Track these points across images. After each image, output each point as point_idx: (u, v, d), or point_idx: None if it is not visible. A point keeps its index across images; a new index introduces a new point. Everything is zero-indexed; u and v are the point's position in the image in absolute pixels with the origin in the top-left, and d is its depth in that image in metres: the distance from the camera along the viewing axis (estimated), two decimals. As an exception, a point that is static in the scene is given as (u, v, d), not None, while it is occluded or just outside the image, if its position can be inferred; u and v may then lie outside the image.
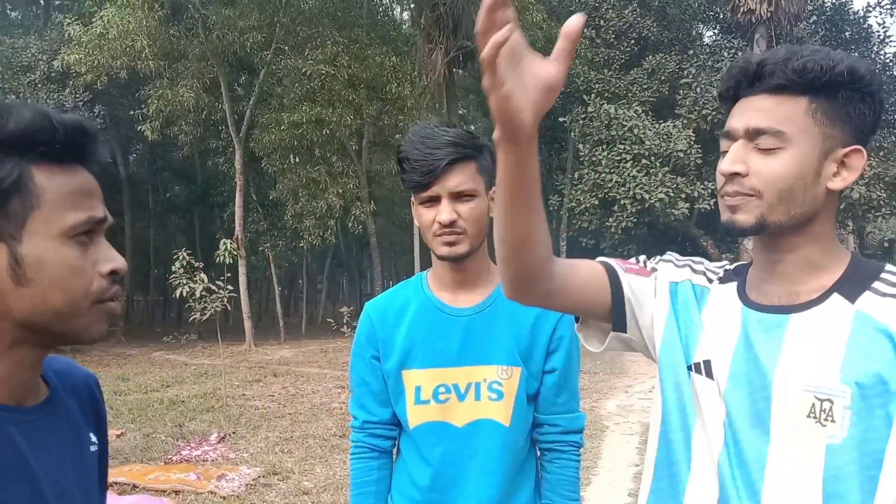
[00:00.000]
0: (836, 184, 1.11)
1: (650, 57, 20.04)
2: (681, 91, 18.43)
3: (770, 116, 1.10)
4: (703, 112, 17.57)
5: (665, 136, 17.02)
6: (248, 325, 17.23)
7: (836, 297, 1.11)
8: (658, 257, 1.37)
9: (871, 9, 21.31)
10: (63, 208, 0.85)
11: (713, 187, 17.49)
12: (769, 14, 17.93)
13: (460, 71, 22.18)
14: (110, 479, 5.68)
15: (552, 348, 1.70)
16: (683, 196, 16.94)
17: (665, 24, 21.30)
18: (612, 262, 1.32)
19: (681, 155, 16.86)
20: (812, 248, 1.14)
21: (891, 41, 21.64)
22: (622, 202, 16.60)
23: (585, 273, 1.28)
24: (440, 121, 18.64)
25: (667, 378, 1.27)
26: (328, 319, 19.12)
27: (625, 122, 17.26)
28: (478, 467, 1.66)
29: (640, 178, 16.62)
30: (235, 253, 12.71)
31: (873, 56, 21.68)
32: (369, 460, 1.77)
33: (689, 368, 1.23)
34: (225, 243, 10.01)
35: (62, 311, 0.86)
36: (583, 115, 18.06)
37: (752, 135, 1.11)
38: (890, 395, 1.03)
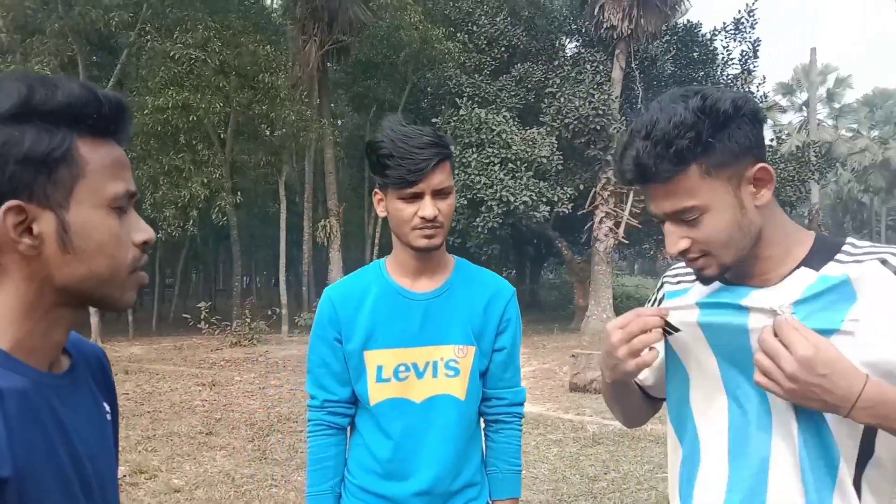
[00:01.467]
0: (762, 199, 1.22)
1: (518, 65, 20.76)
2: (545, 100, 19.21)
3: (676, 199, 1.20)
4: (566, 121, 18.41)
5: (530, 143, 17.72)
6: (94, 320, 16.24)
7: (802, 269, 1.24)
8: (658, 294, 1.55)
9: (717, 32, 23.13)
10: (105, 179, 0.89)
11: (571, 192, 18.61)
12: (629, 31, 19.08)
13: (333, 65, 22.04)
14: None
15: (501, 328, 1.87)
16: (545, 200, 17.70)
17: (533, 33, 22.15)
18: None
19: (544, 161, 17.61)
20: (772, 249, 1.26)
21: (733, 63, 23.50)
22: (489, 203, 17.10)
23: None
24: (314, 114, 18.42)
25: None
26: (184, 315, 18.39)
27: (494, 127, 17.79)
28: (435, 438, 1.80)
29: (506, 181, 17.19)
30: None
31: (717, 76, 23.56)
32: (328, 437, 1.87)
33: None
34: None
35: (104, 278, 0.90)
36: (455, 118, 18.43)
37: (673, 216, 1.22)
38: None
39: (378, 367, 1.80)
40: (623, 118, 19.62)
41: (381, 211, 1.79)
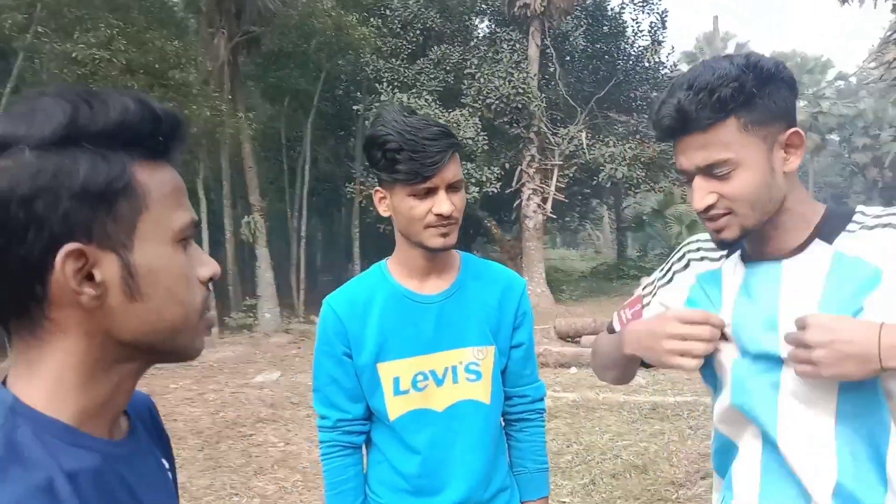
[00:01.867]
0: (791, 165, 1.25)
1: (435, 48, 20.70)
2: (465, 81, 19.26)
3: (711, 150, 1.21)
4: (487, 101, 18.52)
5: (454, 125, 17.72)
6: None
7: (817, 242, 1.27)
8: (654, 287, 1.56)
9: (625, 5, 23.63)
10: (169, 209, 0.76)
11: (499, 172, 18.78)
12: (542, 8, 19.28)
13: (243, 57, 21.45)
14: None
15: (517, 324, 1.79)
16: (473, 181, 17.80)
17: (446, 15, 22.09)
18: (616, 324, 1.61)
19: (469, 142, 17.67)
20: (790, 220, 1.28)
21: (642, 35, 24.07)
22: (418, 188, 17.06)
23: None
24: (229, 108, 17.90)
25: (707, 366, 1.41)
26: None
27: (417, 111, 17.70)
28: (462, 447, 1.71)
29: (434, 164, 17.18)
30: None
31: (628, 48, 24.12)
32: (344, 458, 1.77)
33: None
34: None
35: (177, 327, 0.77)
36: (376, 104, 18.27)
37: (705, 169, 1.23)
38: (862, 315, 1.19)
39: (395, 378, 1.70)
40: (543, 95, 19.88)
41: (383, 210, 1.68)
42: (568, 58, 23.38)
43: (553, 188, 19.81)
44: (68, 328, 0.72)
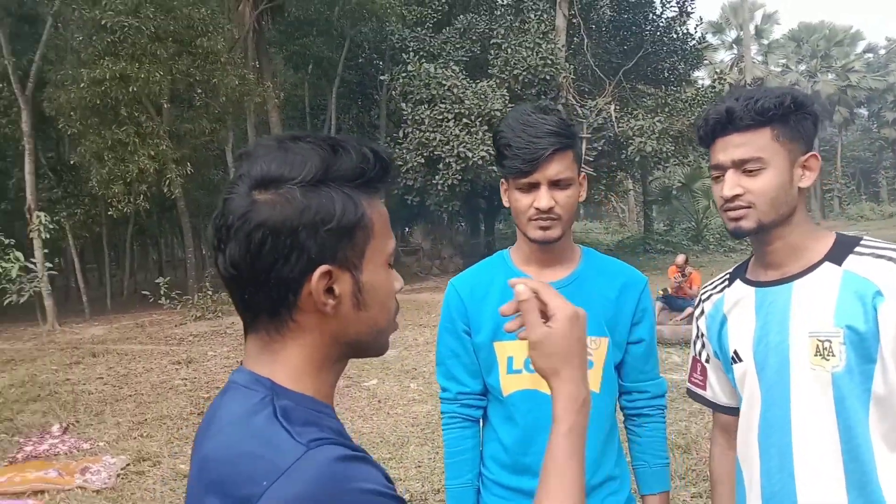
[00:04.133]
0: (805, 182, 1.48)
1: (461, 17, 20.48)
2: (492, 51, 19.06)
3: (748, 149, 1.45)
4: (515, 72, 18.33)
5: (482, 96, 17.59)
6: (49, 302, 15.61)
7: (826, 264, 1.46)
8: (694, 344, 1.77)
9: (653, -25, 23.21)
10: (385, 238, 0.92)
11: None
12: (571, -22, 18.98)
13: (268, 25, 21.34)
14: (-45, 488, 5.09)
15: (636, 319, 1.82)
16: (499, 153, 17.69)
17: (473, -17, 21.84)
18: (696, 391, 1.77)
19: (497, 114, 17.53)
20: (795, 235, 1.49)
21: (671, 5, 23.66)
22: (447, 160, 16.99)
23: (731, 426, 1.68)
24: (256, 77, 17.82)
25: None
26: (143, 292, 17.86)
27: (444, 82, 17.58)
28: None
29: (462, 136, 17.09)
30: (50, 226, 11.37)
31: (657, 18, 23.71)
32: (463, 429, 1.86)
33: (731, 363, 1.58)
34: (38, 216, 8.99)
35: (383, 329, 0.95)
36: (403, 74, 18.14)
37: (739, 164, 1.46)
38: (864, 335, 1.37)
39: (509, 357, 1.76)
40: (570, 67, 19.63)
41: (506, 201, 1.76)
42: (595, 28, 23.02)
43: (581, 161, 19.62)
44: (307, 329, 0.89)
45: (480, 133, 17.23)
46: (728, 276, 1.66)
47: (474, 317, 1.80)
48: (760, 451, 1.50)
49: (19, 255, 7.78)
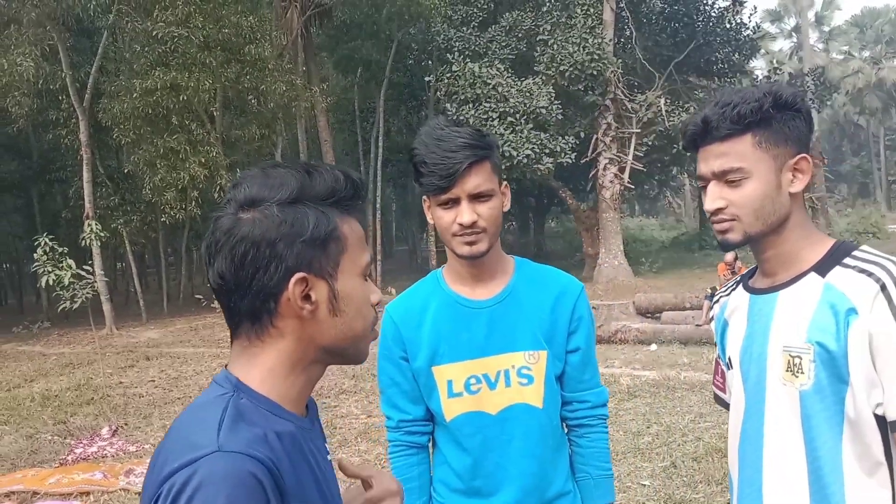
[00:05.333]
0: (796, 187, 1.38)
1: (507, 14, 20.35)
2: (538, 48, 18.88)
3: (728, 159, 1.36)
4: (561, 68, 18.12)
5: (527, 94, 17.45)
6: (107, 307, 16.13)
7: (811, 274, 1.37)
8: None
9: (704, -36, 22.65)
10: (359, 251, 1.02)
11: (574, 141, 18.42)
12: (617, -29, 18.65)
13: (316, 30, 21.61)
14: (5, 489, 5.27)
15: (573, 328, 1.77)
16: (547, 151, 17.52)
17: (518, -20, 21.66)
18: (718, 393, 1.67)
19: (543, 111, 17.37)
20: (789, 243, 1.40)
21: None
22: (492, 159, 16.89)
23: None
24: (304, 82, 18.07)
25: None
26: (197, 296, 18.29)
27: (488, 81, 17.51)
28: (517, 451, 1.72)
29: (507, 135, 16.98)
30: (101, 234, 11.78)
31: (708, 10, 23.15)
32: (408, 457, 1.83)
33: (728, 368, 1.54)
34: (90, 224, 9.28)
35: (359, 336, 1.03)
36: (448, 74, 18.12)
37: (719, 175, 1.38)
38: (834, 353, 1.29)
39: (448, 381, 1.73)
40: (619, 61, 19.31)
41: (430, 219, 1.72)
42: (644, 21, 22.60)
43: (630, 157, 19.31)
44: (286, 334, 0.98)
45: (525, 131, 17.10)
46: (739, 279, 1.60)
47: (410, 343, 1.77)
48: (739, 460, 1.47)
49: (71, 262, 8.03)
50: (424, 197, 1.70)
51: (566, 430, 1.85)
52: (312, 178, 0.98)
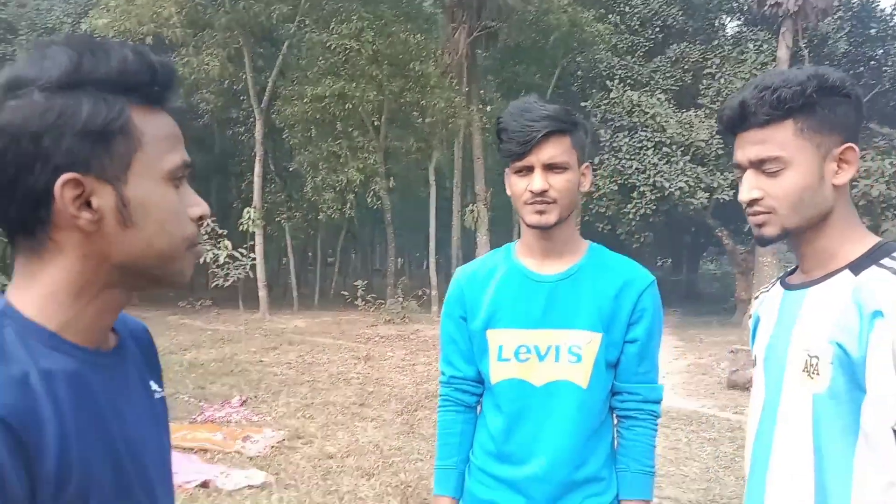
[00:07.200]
0: (840, 179, 1.28)
1: (674, 45, 19.91)
2: (704, 81, 18.32)
3: (766, 147, 1.27)
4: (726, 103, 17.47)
5: (687, 126, 16.95)
6: (262, 293, 17.35)
7: (845, 272, 1.27)
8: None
9: (898, 7, 21.05)
10: (162, 151, 0.84)
11: (732, 178, 17.63)
12: (797, 8, 17.71)
13: (482, 52, 22.16)
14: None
15: (634, 319, 1.76)
16: (703, 186, 16.89)
17: (689, 12, 21.13)
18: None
19: (702, 145, 16.79)
20: (827, 238, 1.30)
21: (915, 39, 21.31)
22: (641, 189, 16.55)
23: None
24: (463, 100, 18.63)
25: None
26: (343, 292, 19.23)
27: (647, 110, 17.19)
28: (553, 425, 1.73)
29: (660, 165, 16.57)
30: (259, 222, 12.87)
31: (896, 53, 21.48)
32: (455, 413, 1.89)
33: (754, 364, 1.47)
34: (248, 212, 10.10)
35: (165, 254, 0.86)
36: (605, 101, 18.00)
37: (757, 164, 1.29)
38: (854, 358, 1.19)
39: (499, 346, 1.78)
40: (790, 98, 18.31)
41: (508, 189, 1.76)
42: (827, 62, 21.27)
43: (793, 200, 18.19)
44: (67, 249, 0.81)
45: (681, 163, 16.60)
46: (781, 275, 1.53)
47: (471, 304, 1.83)
48: (752, 460, 1.42)
49: (228, 243, 8.78)
50: (507, 170, 1.75)
51: (615, 421, 1.85)
52: (95, 57, 0.79)
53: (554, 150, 1.65)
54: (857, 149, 1.28)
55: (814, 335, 1.26)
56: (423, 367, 10.28)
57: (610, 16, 20.01)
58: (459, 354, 1.87)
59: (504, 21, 19.33)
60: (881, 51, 21.28)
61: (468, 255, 24.54)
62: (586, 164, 1.75)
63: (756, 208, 1.31)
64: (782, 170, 1.27)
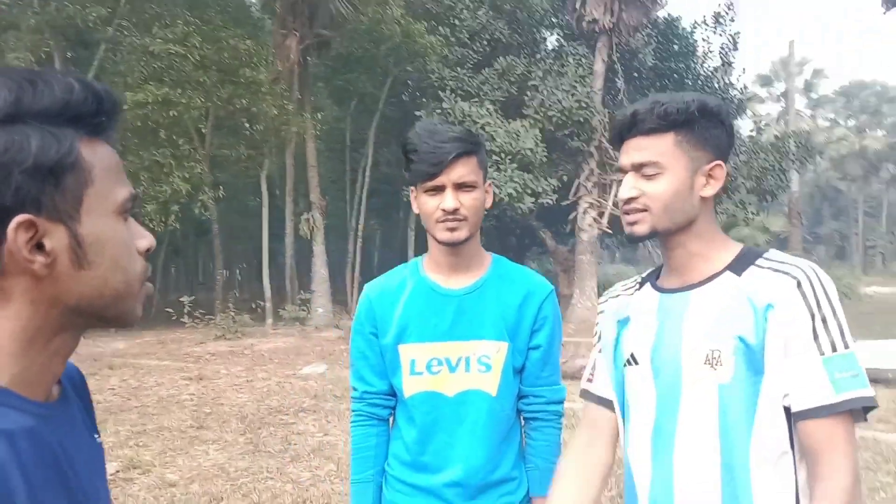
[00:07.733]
0: (707, 192, 1.46)
1: (501, 58, 20.74)
2: (528, 92, 19.24)
3: (648, 153, 1.44)
4: (549, 114, 18.45)
5: (514, 135, 17.73)
6: (77, 316, 16.05)
7: (727, 273, 1.45)
8: (592, 359, 1.72)
9: (696, 25, 23.34)
10: (111, 184, 0.80)
11: (556, 183, 18.67)
12: (611, 25, 19.15)
13: (313, 59, 21.91)
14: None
15: (537, 326, 1.88)
16: (529, 191, 17.75)
17: (515, 27, 22.13)
18: (585, 386, 1.70)
19: (528, 153, 17.63)
20: (696, 243, 1.47)
21: (712, 55, 23.71)
22: (474, 196, 17.06)
23: (599, 421, 1.65)
24: (295, 107, 18.32)
25: (616, 387, 1.61)
26: (167, 309, 18.21)
27: (477, 120, 17.78)
28: (466, 433, 1.83)
29: (491, 173, 17.20)
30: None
31: (697, 68, 23.73)
32: (368, 427, 1.94)
33: (624, 366, 1.57)
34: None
35: (120, 293, 0.81)
36: (438, 111, 18.40)
37: (637, 167, 1.45)
38: (753, 347, 1.36)
39: (411, 360, 1.84)
40: (605, 110, 19.70)
41: (415, 208, 1.84)
42: (636, 75, 23.13)
43: (611, 203, 19.59)
44: (15, 296, 0.75)
45: (509, 170, 17.35)
46: (640, 279, 1.66)
47: (381, 320, 1.88)
48: (652, 457, 1.49)
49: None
50: (412, 188, 1.83)
51: (522, 423, 1.95)
52: (35, 89, 0.73)
53: (463, 170, 1.74)
54: (724, 167, 1.46)
55: (711, 330, 1.40)
56: (263, 383, 9.98)
57: (441, 28, 20.49)
58: (371, 370, 1.92)
59: (336, 30, 19.26)
60: (683, 65, 23.39)
61: (302, 264, 24.15)
62: (489, 182, 1.86)
63: (632, 206, 1.46)
64: (658, 174, 1.43)
